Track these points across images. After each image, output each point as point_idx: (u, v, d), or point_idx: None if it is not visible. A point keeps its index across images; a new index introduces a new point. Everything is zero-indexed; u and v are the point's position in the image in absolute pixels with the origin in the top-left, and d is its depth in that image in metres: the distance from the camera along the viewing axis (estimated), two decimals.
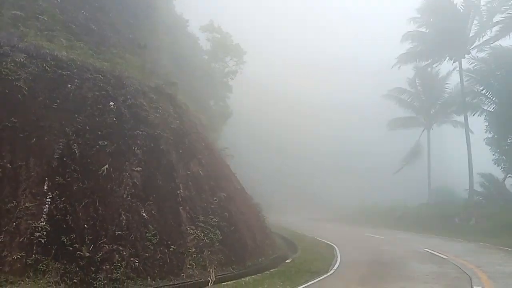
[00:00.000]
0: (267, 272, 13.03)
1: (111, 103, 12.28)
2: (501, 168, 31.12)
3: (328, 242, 20.91)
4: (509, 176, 31.24)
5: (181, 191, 12.67)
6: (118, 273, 9.74)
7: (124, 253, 10.11)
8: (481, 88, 32.21)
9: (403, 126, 42.44)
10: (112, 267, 9.77)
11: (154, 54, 19.07)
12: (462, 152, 34.55)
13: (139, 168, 11.72)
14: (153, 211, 11.41)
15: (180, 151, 13.62)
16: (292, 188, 56.49)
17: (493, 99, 31.45)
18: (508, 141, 30.55)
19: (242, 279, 11.74)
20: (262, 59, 66.22)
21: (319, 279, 12.04)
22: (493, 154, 31.34)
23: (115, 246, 10.07)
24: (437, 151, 46.03)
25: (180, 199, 12.50)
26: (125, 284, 9.75)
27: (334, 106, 67.38)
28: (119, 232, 10.31)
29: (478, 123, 33.38)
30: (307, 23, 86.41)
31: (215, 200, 13.74)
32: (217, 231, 12.66)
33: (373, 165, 57.55)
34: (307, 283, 11.39)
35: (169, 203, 12.15)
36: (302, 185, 58.25)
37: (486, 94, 31.84)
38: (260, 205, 19.10)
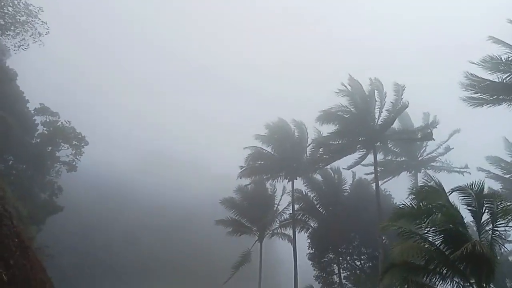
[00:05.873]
0: None
1: None
2: (320, 283, 33.64)
3: None
4: None
5: None
6: None
7: None
8: (300, 210, 35.40)
9: (238, 232, 39.69)
10: None
11: None
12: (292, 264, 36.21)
13: None
14: None
15: None
16: None
17: (312, 218, 34.96)
18: (326, 258, 33.78)
19: None
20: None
21: None
22: (314, 270, 33.89)
23: None
24: (269, 261, 47.23)
25: None
26: None
27: (172, 204, 66.12)
28: None
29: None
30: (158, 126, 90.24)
31: None
32: None
33: (210, 271, 55.00)
34: None
35: None
36: None
37: (308, 212, 35.30)
38: None
